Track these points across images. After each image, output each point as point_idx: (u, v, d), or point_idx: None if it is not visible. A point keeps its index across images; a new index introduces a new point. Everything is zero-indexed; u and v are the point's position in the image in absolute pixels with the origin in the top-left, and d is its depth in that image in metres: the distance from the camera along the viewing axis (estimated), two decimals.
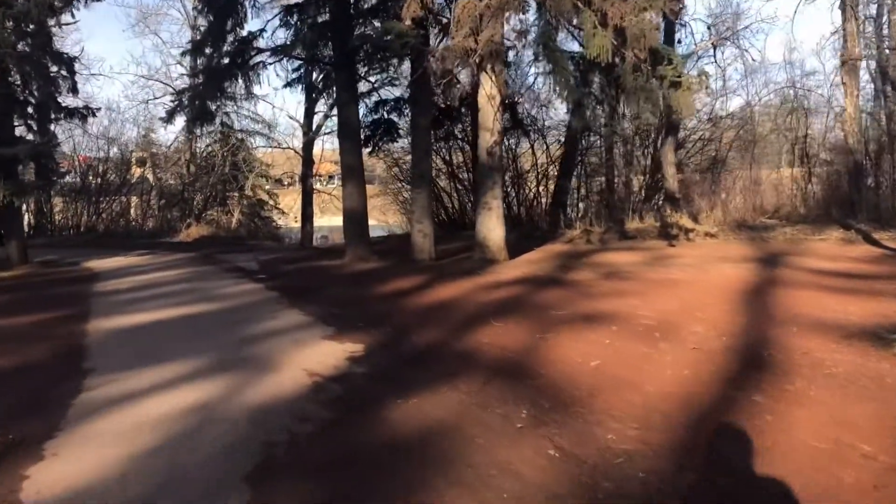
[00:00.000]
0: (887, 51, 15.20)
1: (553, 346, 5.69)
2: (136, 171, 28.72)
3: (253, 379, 5.11)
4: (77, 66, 14.40)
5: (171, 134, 41.16)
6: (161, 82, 27.19)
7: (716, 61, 21.12)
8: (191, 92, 12.66)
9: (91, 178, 26.38)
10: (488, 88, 11.53)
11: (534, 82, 18.30)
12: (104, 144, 27.36)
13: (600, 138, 20.04)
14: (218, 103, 13.32)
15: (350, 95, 12.80)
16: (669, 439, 3.67)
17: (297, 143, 26.91)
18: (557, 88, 9.69)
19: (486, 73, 11.30)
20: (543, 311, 7.17)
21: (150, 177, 29.10)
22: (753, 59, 23.67)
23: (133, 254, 17.67)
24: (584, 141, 19.95)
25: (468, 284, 9.53)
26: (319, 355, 5.77)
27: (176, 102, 12.92)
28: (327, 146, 29.01)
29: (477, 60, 9.81)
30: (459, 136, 19.46)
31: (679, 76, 9.02)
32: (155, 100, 27.48)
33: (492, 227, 11.92)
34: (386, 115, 14.46)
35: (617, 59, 9.50)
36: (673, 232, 14.21)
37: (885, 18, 15.91)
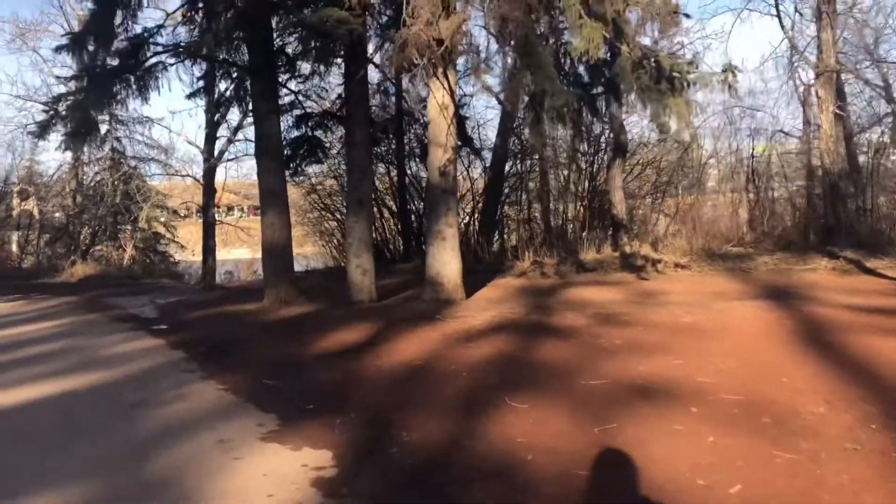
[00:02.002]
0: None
1: (630, 448, 3.76)
2: (19, 206, 25.38)
3: None
4: None
5: (54, 161, 37.34)
6: (41, 103, 23.98)
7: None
8: (70, 99, 10.17)
9: None
10: (440, 97, 9.65)
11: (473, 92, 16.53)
12: None
13: (524, 162, 18.54)
14: (105, 114, 10.86)
15: (270, 106, 10.62)
16: None
17: (198, 170, 24.29)
18: (541, 90, 7.86)
19: (439, 78, 9.44)
20: (567, 380, 5.24)
21: (35, 211, 25.79)
22: None
23: (4, 298, 14.76)
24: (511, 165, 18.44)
25: (433, 334, 7.52)
26: (268, 480, 3.63)
27: (51, 113, 10.37)
28: (231, 173, 26.61)
29: (439, 57, 7.88)
30: (387, 156, 17.48)
31: (690, 73, 7.37)
32: (34, 124, 24.22)
33: (446, 261, 9.97)
34: (311, 132, 12.31)
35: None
36: (638, 263, 12.67)
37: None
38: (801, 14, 15.62)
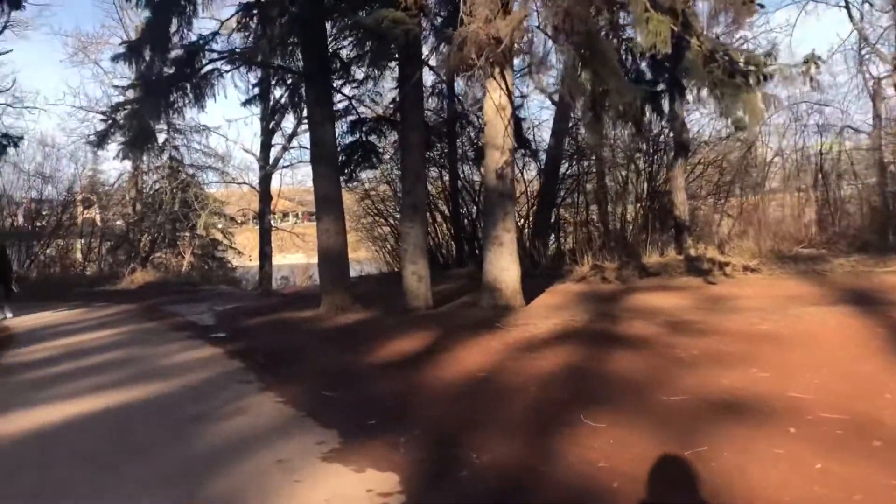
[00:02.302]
0: None
1: (729, 476, 3.41)
2: (81, 214, 25.95)
3: None
4: (10, 99, 11.86)
5: (115, 171, 38.14)
6: (100, 113, 24.49)
7: None
8: (127, 108, 10.19)
9: (37, 221, 23.56)
10: (497, 98, 9.37)
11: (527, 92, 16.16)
12: (39, 183, 24.56)
13: (580, 163, 18.08)
14: (162, 123, 10.88)
15: (325, 112, 10.48)
16: None
17: (254, 177, 24.47)
18: (604, 88, 7.52)
19: (496, 78, 9.17)
20: (645, 395, 4.90)
21: (97, 219, 26.35)
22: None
23: (65, 307, 14.99)
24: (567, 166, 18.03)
25: (494, 343, 7.23)
26: None
27: (109, 122, 10.42)
28: (286, 180, 26.82)
29: (502, 55, 7.59)
30: (439, 160, 17.22)
31: (768, 65, 6.94)
32: (93, 134, 24.70)
33: (504, 267, 9.67)
34: (365, 137, 12.16)
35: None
36: (704, 266, 12.16)
37: None
38: (870, 4, 14.93)
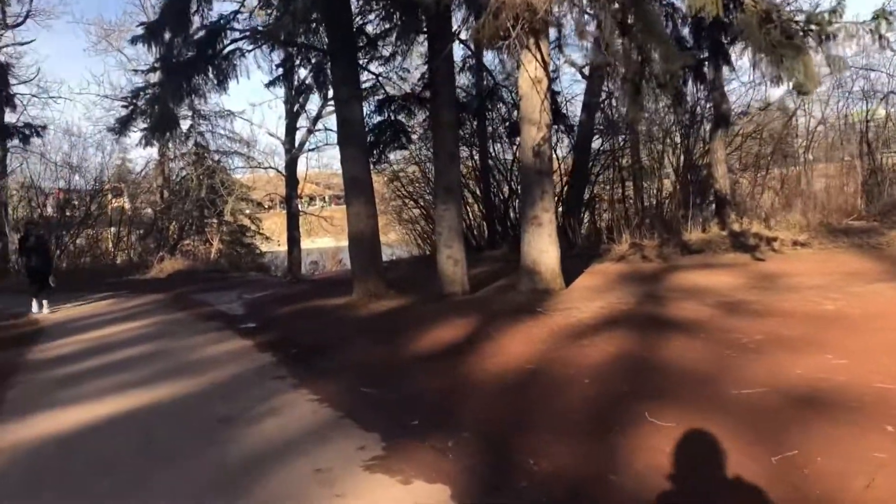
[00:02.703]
0: None
1: (831, 490, 2.98)
2: (111, 203, 25.92)
3: None
4: (34, 90, 11.59)
5: (142, 159, 38.10)
6: (123, 99, 24.29)
7: None
8: (149, 93, 9.85)
9: (67, 211, 23.52)
10: (532, 70, 8.90)
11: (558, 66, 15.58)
12: (66, 172, 24.48)
13: (613, 138, 17.45)
14: (184, 106, 10.55)
15: (351, 91, 10.04)
16: None
17: (279, 161, 24.22)
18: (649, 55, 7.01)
19: (531, 50, 8.69)
20: (711, 387, 4.46)
21: (127, 207, 26.31)
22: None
23: (94, 297, 14.84)
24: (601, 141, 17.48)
25: (538, 330, 6.82)
26: None
27: (130, 108, 10.09)
28: (311, 164, 26.61)
29: (541, 21, 7.11)
30: (470, 139, 16.72)
31: (832, 24, 6.38)
32: (115, 121, 24.55)
33: (543, 249, 9.23)
34: (393, 117, 11.73)
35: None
36: (750, 242, 11.62)
37: None
38: None
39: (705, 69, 10.63)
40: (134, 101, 10.14)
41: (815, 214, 12.82)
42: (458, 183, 10.50)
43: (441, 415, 4.59)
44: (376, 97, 11.89)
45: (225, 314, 10.76)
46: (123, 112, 10.20)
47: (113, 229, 25.30)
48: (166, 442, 4.55)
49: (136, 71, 17.03)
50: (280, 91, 19.58)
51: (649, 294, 8.35)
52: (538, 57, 8.82)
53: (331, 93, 12.30)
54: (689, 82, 10.83)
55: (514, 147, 16.60)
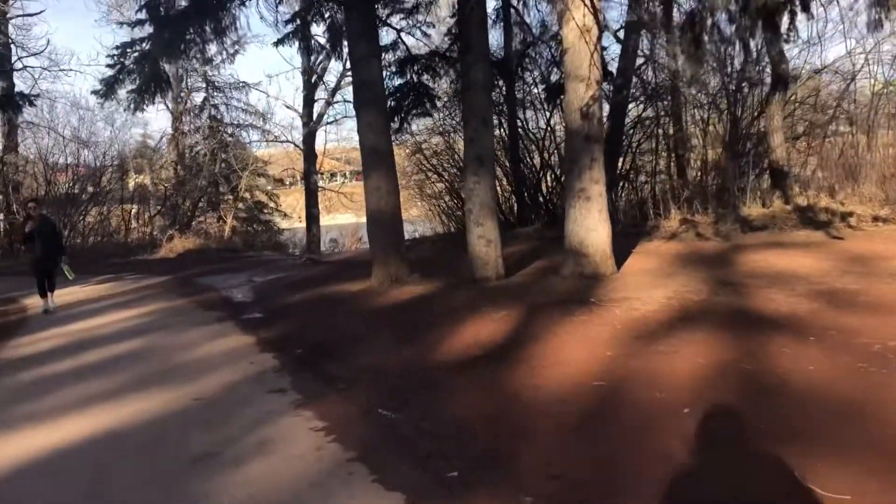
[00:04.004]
0: None
1: None
2: (132, 179, 24.95)
3: None
4: (45, 62, 10.38)
5: (157, 133, 37.05)
6: (108, 57, 23.14)
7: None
8: (136, 49, 8.58)
9: (76, 186, 22.52)
10: (580, 18, 7.56)
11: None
12: (76, 148, 23.40)
13: (653, 104, 16.03)
14: (177, 65, 9.27)
15: (370, 48, 8.72)
16: None
17: (297, 135, 22.98)
18: None
19: None
20: (875, 425, 3.17)
21: (149, 183, 25.34)
22: None
23: (95, 280, 13.75)
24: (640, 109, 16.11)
25: (596, 328, 5.55)
26: None
27: (116, 67, 8.82)
28: (330, 138, 25.41)
29: None
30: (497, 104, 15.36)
31: None
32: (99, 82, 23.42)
33: (591, 227, 7.91)
34: (416, 78, 10.40)
35: None
36: (821, 218, 10.24)
37: None
38: None
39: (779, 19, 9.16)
40: (121, 59, 8.87)
41: (892, 185, 11.36)
42: (491, 152, 9.18)
43: (489, 461, 3.35)
44: (397, 55, 10.55)
45: (229, 301, 9.62)
46: (109, 72, 8.91)
47: (132, 206, 24.28)
48: (117, 493, 3.34)
49: (119, 24, 15.38)
50: (295, 57, 18.31)
51: (722, 280, 7.01)
52: (587, 1, 7.47)
53: (347, 54, 10.98)
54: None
55: (548, 113, 15.27)
